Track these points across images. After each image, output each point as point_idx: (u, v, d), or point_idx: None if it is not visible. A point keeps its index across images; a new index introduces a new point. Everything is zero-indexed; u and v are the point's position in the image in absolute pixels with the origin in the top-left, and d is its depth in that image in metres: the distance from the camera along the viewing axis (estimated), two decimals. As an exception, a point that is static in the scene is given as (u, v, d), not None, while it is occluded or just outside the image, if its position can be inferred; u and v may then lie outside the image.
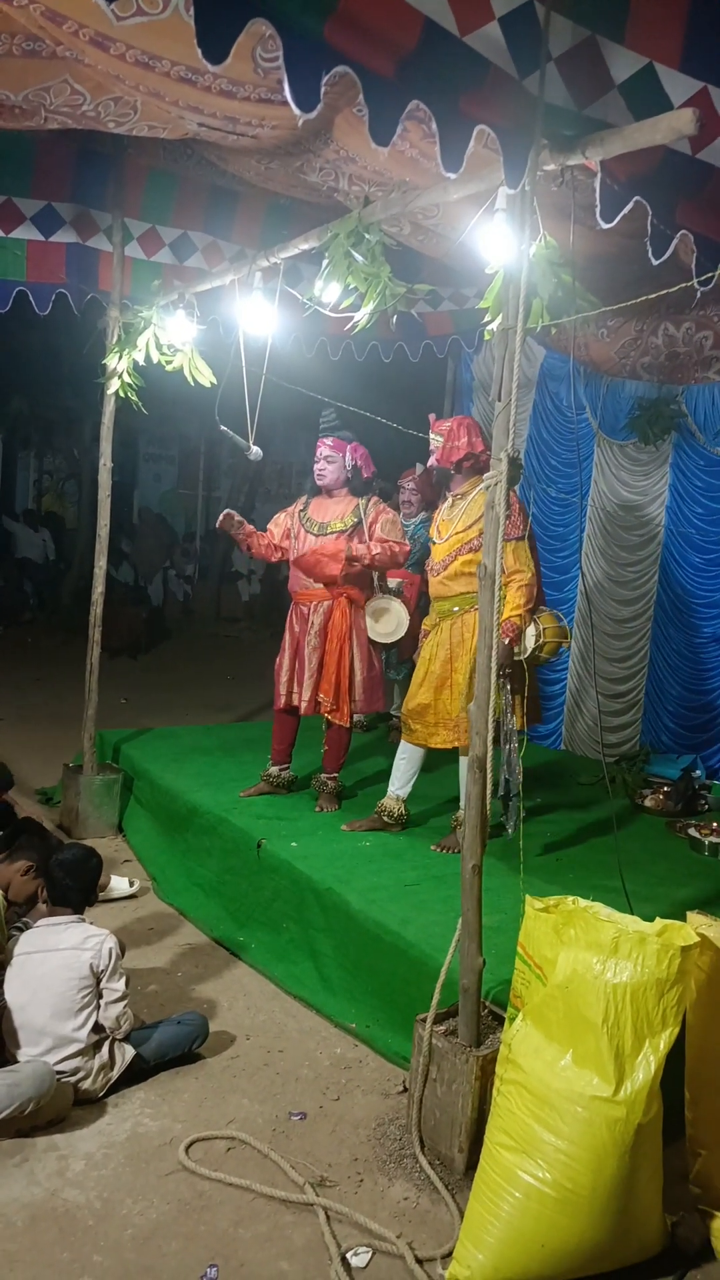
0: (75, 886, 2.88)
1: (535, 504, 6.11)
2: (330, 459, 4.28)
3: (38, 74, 3.13)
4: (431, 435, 4.03)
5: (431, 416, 4.18)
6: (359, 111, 2.18)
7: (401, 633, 4.48)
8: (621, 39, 2.26)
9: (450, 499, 4.02)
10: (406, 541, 4.34)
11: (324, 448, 4.30)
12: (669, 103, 2.31)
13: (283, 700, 4.38)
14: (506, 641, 3.59)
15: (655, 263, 2.51)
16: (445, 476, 4.04)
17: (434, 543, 4.02)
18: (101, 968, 2.74)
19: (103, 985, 2.75)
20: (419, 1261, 2.20)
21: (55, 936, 2.79)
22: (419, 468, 5.66)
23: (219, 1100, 2.79)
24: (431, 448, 4.04)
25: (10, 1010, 2.73)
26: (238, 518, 4.36)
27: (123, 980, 2.79)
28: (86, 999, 2.72)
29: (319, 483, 4.33)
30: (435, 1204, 2.41)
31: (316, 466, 4.33)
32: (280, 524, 4.44)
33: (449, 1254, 2.22)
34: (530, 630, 3.62)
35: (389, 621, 4.41)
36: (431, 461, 4.03)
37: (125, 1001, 2.79)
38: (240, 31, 1.94)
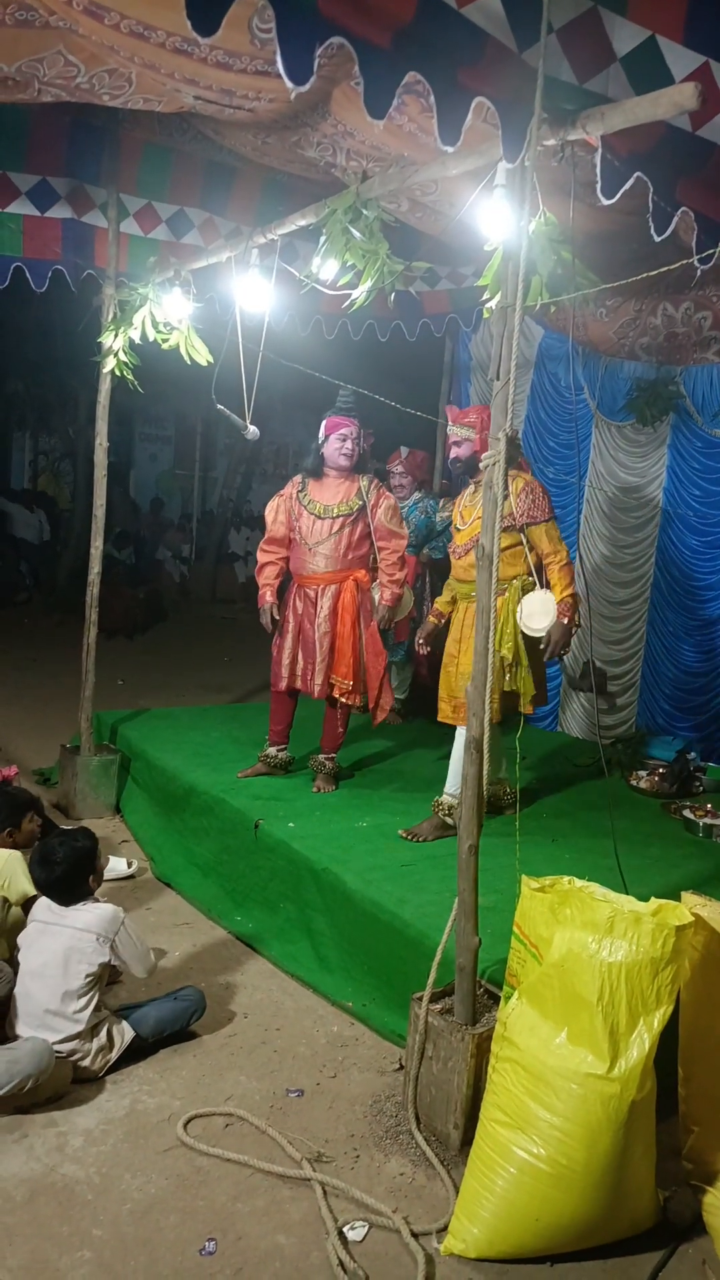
0: (50, 886, 2.80)
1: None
2: (356, 439, 4.22)
3: (31, 45, 3.08)
4: (455, 428, 4.00)
5: (452, 409, 4.16)
6: (355, 84, 2.15)
7: (405, 612, 4.51)
8: (624, 11, 2.23)
9: (473, 485, 4.02)
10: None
11: (352, 427, 4.21)
12: (670, 77, 2.28)
13: (284, 682, 4.35)
14: (565, 621, 3.67)
15: (657, 240, 2.48)
16: (470, 467, 4.02)
17: (457, 529, 4.02)
18: (115, 938, 2.78)
19: (123, 955, 2.81)
20: (414, 1235, 2.22)
21: (71, 913, 2.79)
22: (403, 451, 5.66)
23: (217, 1077, 2.81)
24: (454, 440, 4.01)
25: (18, 977, 2.76)
26: (273, 611, 4.34)
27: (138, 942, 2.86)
28: (91, 985, 2.73)
29: (345, 464, 4.22)
30: (431, 1179, 2.44)
31: (344, 447, 4.19)
32: (280, 512, 4.33)
33: (444, 1228, 2.25)
34: (553, 607, 3.59)
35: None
36: (460, 453, 4.00)
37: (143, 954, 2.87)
38: (231, 2, 1.91)
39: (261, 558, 4.41)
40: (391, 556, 4.22)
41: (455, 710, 3.85)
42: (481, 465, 2.58)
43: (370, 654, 4.22)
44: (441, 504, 5.69)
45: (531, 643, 3.76)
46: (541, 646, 3.76)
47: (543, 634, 3.57)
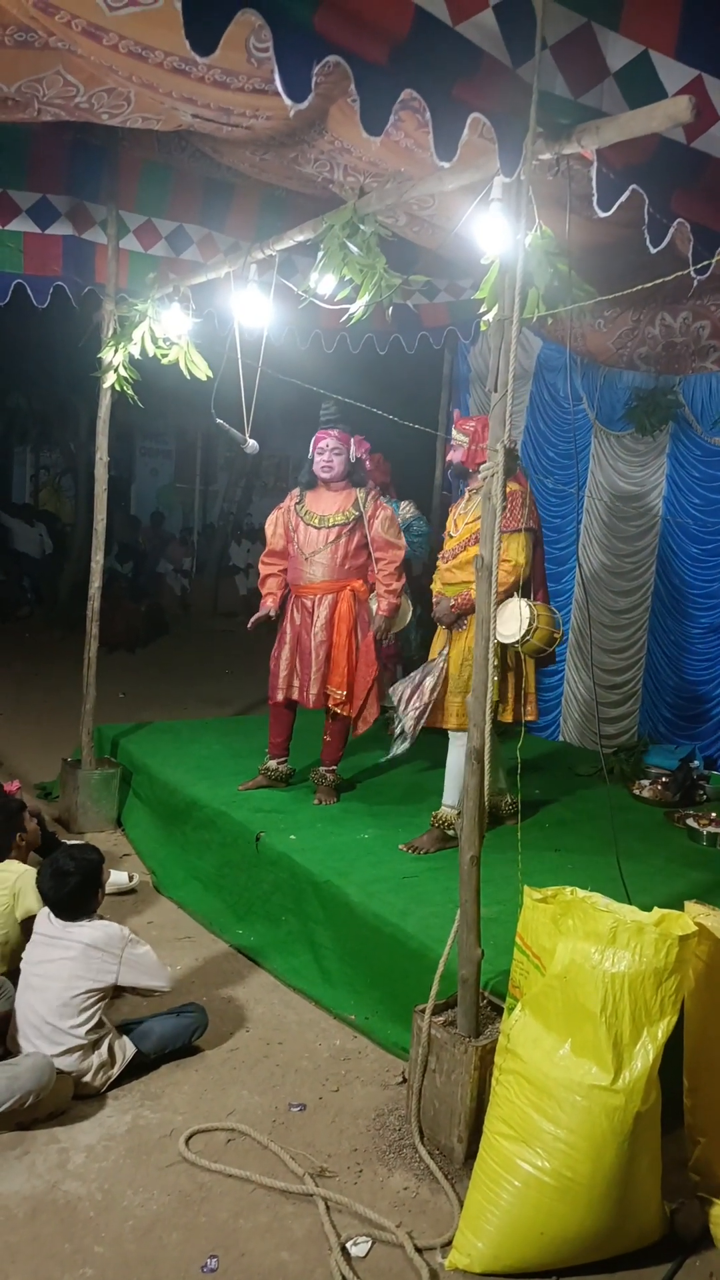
0: (59, 902, 2.80)
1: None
2: (337, 451, 4.24)
3: (30, 65, 3.11)
4: (455, 433, 4.05)
5: (456, 413, 4.19)
6: (352, 101, 2.17)
7: (405, 622, 4.51)
8: (617, 26, 2.25)
9: (468, 494, 4.06)
10: (403, 540, 4.33)
11: (330, 439, 4.25)
12: (664, 91, 2.30)
13: (281, 694, 4.35)
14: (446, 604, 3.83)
15: (653, 251, 2.50)
16: (462, 472, 4.07)
17: (449, 536, 4.04)
18: (121, 956, 2.77)
19: (135, 975, 2.80)
20: (419, 1250, 2.21)
21: (75, 928, 2.78)
22: None
23: (219, 1092, 2.80)
24: (453, 443, 4.06)
25: (19, 992, 2.76)
26: (271, 613, 4.36)
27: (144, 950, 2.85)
28: (91, 1001, 2.72)
29: (325, 475, 4.26)
30: (435, 1193, 2.42)
31: (322, 459, 4.25)
32: (279, 525, 4.37)
33: (449, 1243, 2.24)
34: (526, 614, 3.61)
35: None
36: (453, 457, 4.06)
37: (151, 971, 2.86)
38: (229, 22, 1.93)
39: (263, 570, 4.45)
40: (389, 567, 4.23)
41: (440, 711, 3.86)
42: (480, 477, 2.59)
43: (362, 664, 4.22)
44: (403, 506, 5.67)
45: (511, 652, 3.74)
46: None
47: (511, 640, 3.57)
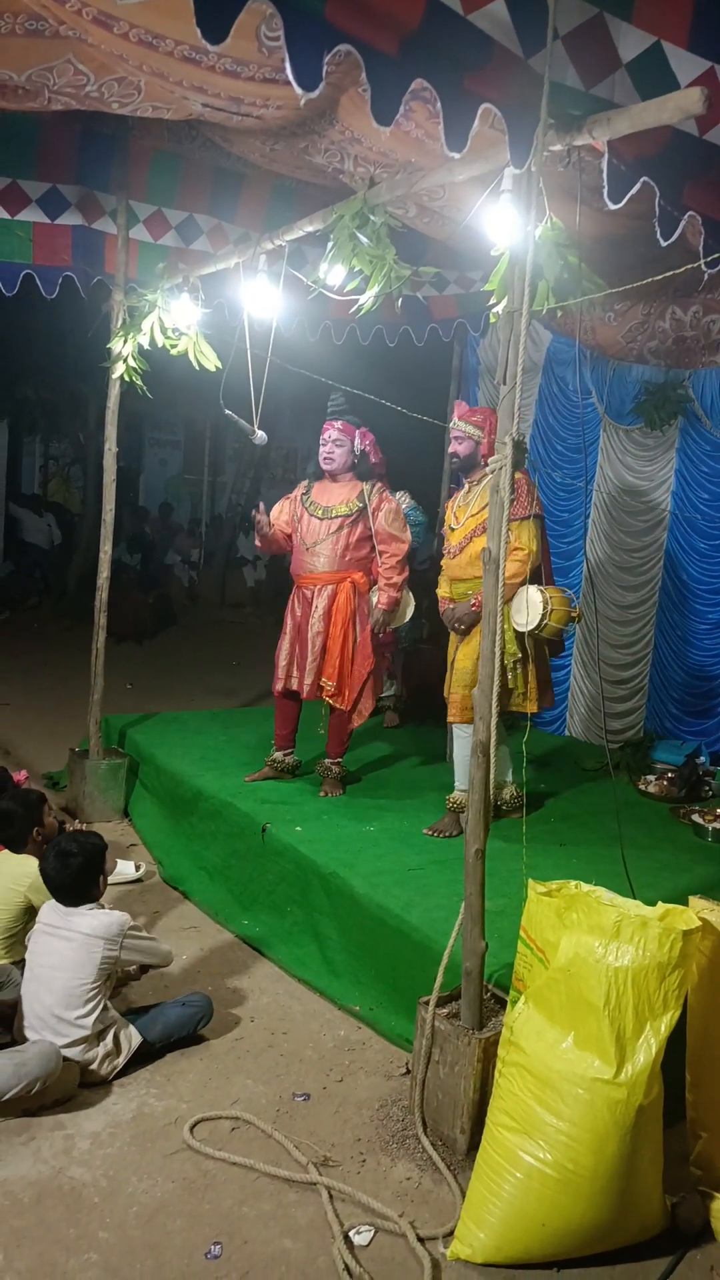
0: (62, 885, 2.81)
1: (540, 489, 6.08)
2: (339, 442, 4.26)
3: (41, 54, 3.10)
4: (463, 424, 4.01)
5: (460, 403, 4.17)
6: (363, 91, 2.16)
7: (405, 618, 4.51)
8: (629, 17, 2.24)
9: (467, 486, 4.05)
10: (408, 533, 4.32)
11: (332, 430, 4.27)
12: (676, 82, 2.28)
13: (281, 684, 4.37)
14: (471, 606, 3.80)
15: (664, 244, 2.48)
16: (464, 465, 4.06)
17: (451, 529, 4.03)
18: (121, 943, 2.79)
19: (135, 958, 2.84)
20: (421, 1240, 2.22)
21: (77, 918, 2.80)
22: None
23: (223, 1081, 2.81)
24: (455, 435, 4.04)
25: (24, 981, 2.77)
26: (266, 520, 4.37)
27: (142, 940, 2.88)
28: (95, 992, 2.73)
29: (326, 467, 4.29)
30: (437, 1184, 2.43)
31: (324, 450, 4.29)
32: (284, 511, 4.42)
33: (451, 1233, 2.25)
34: (539, 599, 3.61)
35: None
36: (459, 449, 4.03)
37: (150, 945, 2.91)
38: (240, 10, 1.93)
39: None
40: (391, 560, 4.23)
41: (455, 706, 3.88)
42: (489, 470, 2.58)
43: (359, 657, 4.23)
44: (398, 496, 5.64)
45: (534, 640, 3.74)
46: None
47: (529, 627, 3.57)
